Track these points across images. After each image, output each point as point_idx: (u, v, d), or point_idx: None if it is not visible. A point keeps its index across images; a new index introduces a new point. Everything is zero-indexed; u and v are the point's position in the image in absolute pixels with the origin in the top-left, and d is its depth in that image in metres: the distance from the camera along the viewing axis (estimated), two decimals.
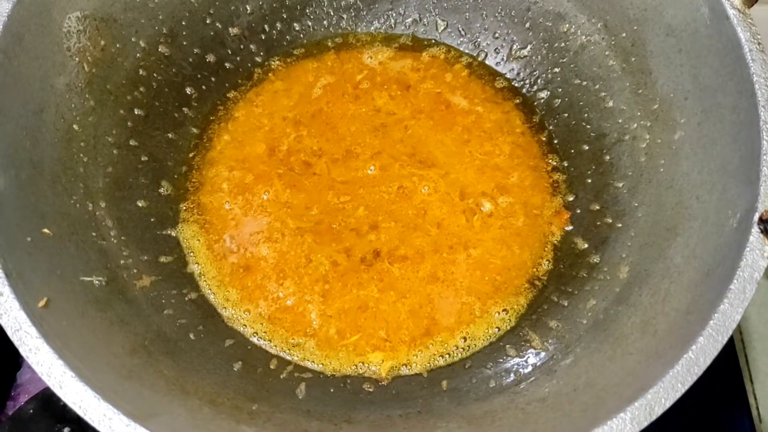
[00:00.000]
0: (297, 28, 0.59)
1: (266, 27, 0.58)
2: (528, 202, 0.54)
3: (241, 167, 0.55)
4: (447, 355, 0.48)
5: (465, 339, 0.49)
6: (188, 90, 0.55)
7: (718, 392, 0.58)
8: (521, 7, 0.57)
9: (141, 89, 0.51)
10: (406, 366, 0.48)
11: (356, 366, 0.48)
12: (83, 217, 0.44)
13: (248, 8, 0.57)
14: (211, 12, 0.55)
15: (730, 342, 0.61)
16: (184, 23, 0.53)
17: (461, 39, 0.60)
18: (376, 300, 0.50)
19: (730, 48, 0.41)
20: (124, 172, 0.50)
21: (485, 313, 0.50)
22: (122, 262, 0.45)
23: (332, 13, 0.60)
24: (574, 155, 0.55)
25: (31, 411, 0.51)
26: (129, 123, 0.50)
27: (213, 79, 0.57)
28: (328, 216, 0.53)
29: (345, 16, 0.60)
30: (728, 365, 0.60)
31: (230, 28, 0.56)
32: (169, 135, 0.54)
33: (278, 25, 0.58)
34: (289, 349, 0.49)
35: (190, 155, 0.55)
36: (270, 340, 0.49)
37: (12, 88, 0.41)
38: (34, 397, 0.52)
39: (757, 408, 0.61)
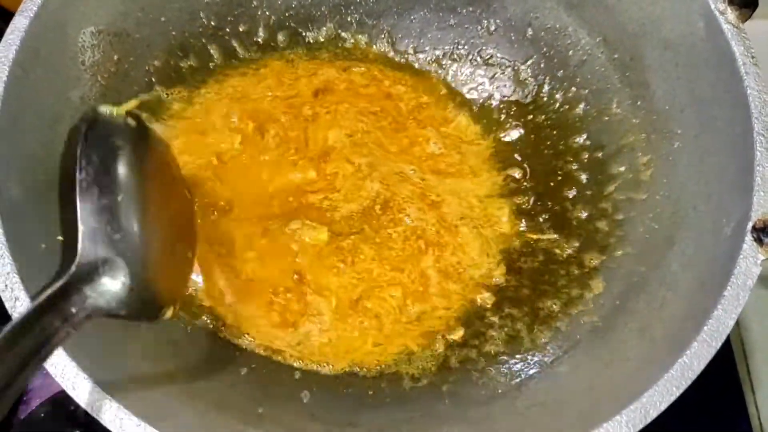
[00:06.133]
0: (306, 41, 0.61)
1: (276, 42, 0.60)
2: None
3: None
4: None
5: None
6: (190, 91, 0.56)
7: (717, 402, 0.59)
8: (523, 22, 0.58)
9: (153, 101, 0.52)
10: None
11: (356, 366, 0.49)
12: None
13: (260, 30, 0.58)
14: (221, 28, 0.56)
15: (729, 352, 0.62)
16: (194, 38, 0.54)
17: (462, 52, 0.61)
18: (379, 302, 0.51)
19: (724, 61, 0.42)
20: None
21: None
22: None
23: (335, 27, 0.61)
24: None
25: (43, 414, 0.52)
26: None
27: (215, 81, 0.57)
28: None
29: (346, 35, 0.61)
30: (727, 375, 0.61)
31: (242, 44, 0.57)
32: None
33: (288, 37, 0.60)
34: (294, 356, 0.50)
35: None
36: (276, 347, 0.50)
37: (28, 100, 0.42)
38: (46, 401, 0.53)
39: (759, 418, 0.61)
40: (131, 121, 0.45)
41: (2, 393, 0.30)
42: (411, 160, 0.56)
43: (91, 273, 0.37)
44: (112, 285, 0.38)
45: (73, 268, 0.37)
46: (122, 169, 0.41)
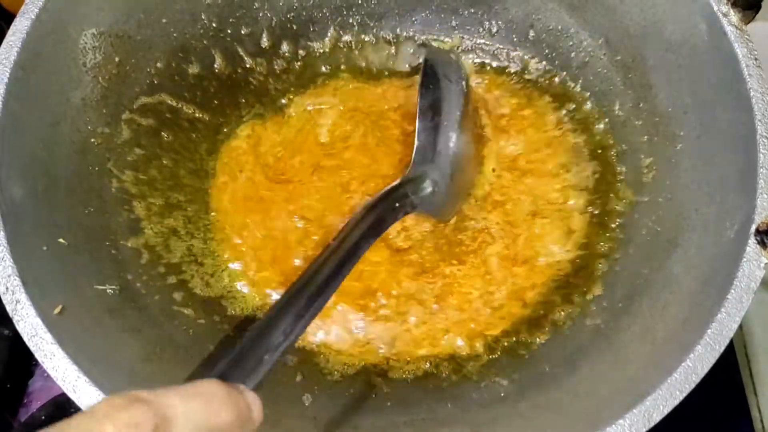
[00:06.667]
0: (312, 46, 0.60)
1: (282, 47, 0.59)
2: None
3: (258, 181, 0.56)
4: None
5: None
6: (202, 103, 0.56)
7: (720, 406, 0.58)
8: (524, 24, 0.58)
9: (155, 103, 0.52)
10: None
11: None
12: (97, 227, 0.45)
13: (263, 33, 0.58)
14: (222, 30, 0.56)
15: (732, 355, 0.61)
16: (195, 41, 0.54)
17: (466, 56, 0.61)
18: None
19: (727, 63, 0.42)
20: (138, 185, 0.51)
21: None
22: (135, 271, 0.46)
23: (336, 29, 0.61)
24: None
25: (43, 417, 0.52)
26: (142, 136, 0.51)
27: (226, 93, 0.57)
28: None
29: (364, 36, 0.61)
30: (730, 379, 0.61)
31: (243, 46, 0.57)
32: (181, 147, 0.55)
33: (292, 43, 0.59)
34: (296, 359, 0.50)
35: (203, 169, 0.56)
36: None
37: (30, 101, 0.42)
38: (46, 404, 0.53)
39: (762, 421, 0.61)
40: (453, 56, 0.58)
41: (356, 248, 0.40)
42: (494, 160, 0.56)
43: (415, 178, 0.48)
44: (426, 189, 0.49)
45: (407, 172, 0.48)
46: (446, 99, 0.52)
